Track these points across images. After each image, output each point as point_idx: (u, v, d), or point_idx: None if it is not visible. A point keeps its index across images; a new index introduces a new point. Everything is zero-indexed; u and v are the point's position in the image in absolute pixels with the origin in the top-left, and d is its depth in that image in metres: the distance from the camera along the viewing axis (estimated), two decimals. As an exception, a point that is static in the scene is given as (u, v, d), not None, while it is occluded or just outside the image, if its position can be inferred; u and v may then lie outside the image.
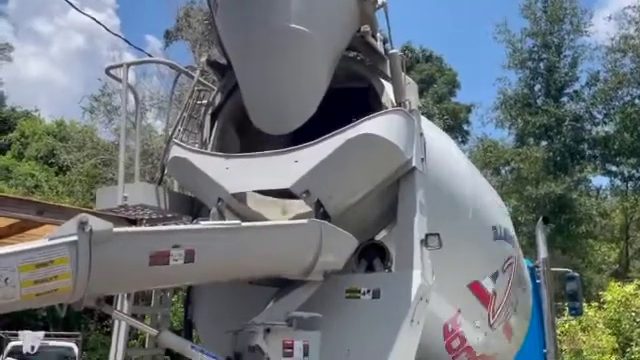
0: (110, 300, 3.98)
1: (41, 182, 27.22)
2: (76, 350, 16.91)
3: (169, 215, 4.59)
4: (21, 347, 15.83)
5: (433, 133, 5.05)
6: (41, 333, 16.66)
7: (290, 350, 3.80)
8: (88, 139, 26.21)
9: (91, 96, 25.45)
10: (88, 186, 23.81)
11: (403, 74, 4.34)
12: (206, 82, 4.96)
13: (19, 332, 16.27)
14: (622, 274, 27.44)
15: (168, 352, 4.80)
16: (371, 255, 4.40)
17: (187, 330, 4.62)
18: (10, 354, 15.90)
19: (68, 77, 62.60)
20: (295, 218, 4.07)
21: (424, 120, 4.80)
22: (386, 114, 4.17)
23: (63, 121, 32.26)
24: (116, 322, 4.60)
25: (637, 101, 28.08)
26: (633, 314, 18.90)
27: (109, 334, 4.88)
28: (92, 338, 21.92)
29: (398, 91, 4.30)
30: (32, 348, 15.71)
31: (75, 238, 2.95)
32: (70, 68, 61.99)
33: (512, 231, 6.66)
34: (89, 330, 22.70)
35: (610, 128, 28.79)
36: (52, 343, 16.84)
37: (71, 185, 25.92)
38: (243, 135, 4.77)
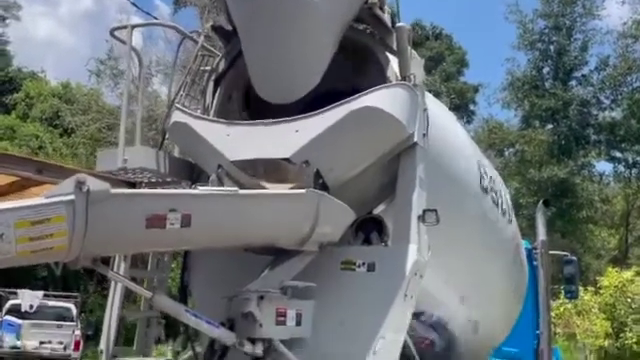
0: (107, 262, 4.00)
1: (45, 143, 27.24)
2: (74, 311, 17.08)
3: (168, 180, 4.59)
4: (19, 305, 15.98)
5: (437, 110, 5.02)
6: (40, 293, 16.82)
7: (283, 318, 3.82)
8: (93, 102, 26.23)
9: (97, 59, 25.43)
10: (92, 149, 23.83)
11: (409, 48, 4.30)
12: (211, 48, 4.93)
13: (18, 290, 16.42)
14: (621, 260, 27.51)
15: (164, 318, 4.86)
16: (368, 228, 4.40)
17: (182, 295, 4.63)
18: (9, 311, 16.07)
19: (75, 38, 62.42)
20: (294, 188, 4.06)
21: (429, 96, 4.77)
22: (390, 87, 4.15)
23: (69, 83, 32.19)
24: (112, 283, 4.63)
25: (646, 87, 27.91)
26: (629, 300, 19.01)
27: (107, 297, 4.92)
28: (91, 300, 22.11)
29: (403, 65, 4.26)
30: (31, 307, 15.88)
31: (72, 197, 2.95)
32: (77, 29, 61.75)
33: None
34: (88, 292, 22.88)
35: (617, 114, 28.70)
36: (51, 303, 17.01)
37: (75, 148, 25.97)
38: (246, 103, 4.75)
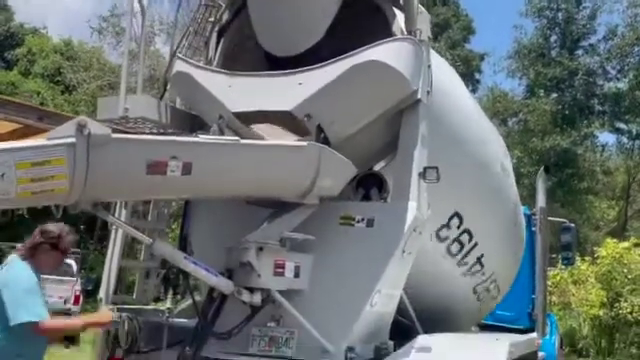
0: (107, 209, 4.00)
1: (47, 100, 27.13)
2: (75, 266, 17.19)
3: (170, 131, 4.57)
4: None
5: (442, 67, 4.98)
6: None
7: (281, 270, 3.85)
8: (95, 60, 26.09)
9: (100, 16, 25.22)
10: (93, 107, 23.71)
11: (416, 2, 4.24)
12: (215, -2, 4.86)
13: (18, 245, 16.47)
14: (619, 233, 27.57)
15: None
16: (369, 184, 4.41)
17: (182, 245, 4.65)
18: (10, 265, 16.15)
19: (78, -4, 61.62)
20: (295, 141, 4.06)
21: (433, 54, 4.72)
22: (395, 41, 4.10)
23: (71, 40, 31.92)
24: (112, 232, 4.66)
25: (653, 58, 27.61)
26: (625, 270, 19.10)
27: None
28: (91, 258, 22.21)
29: (409, 19, 4.21)
30: (31, 261, 15.94)
31: (73, 140, 2.95)
32: (80, -13, 60.94)
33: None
34: (88, 250, 22.99)
35: (623, 85, 28.40)
36: (51, 258, 17.07)
37: (76, 105, 25.88)
38: (249, 56, 4.71)
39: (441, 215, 4.78)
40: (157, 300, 5.26)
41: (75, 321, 4.12)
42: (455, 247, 5.14)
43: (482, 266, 5.69)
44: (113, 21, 24.92)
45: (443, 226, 4.88)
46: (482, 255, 5.56)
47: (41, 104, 26.43)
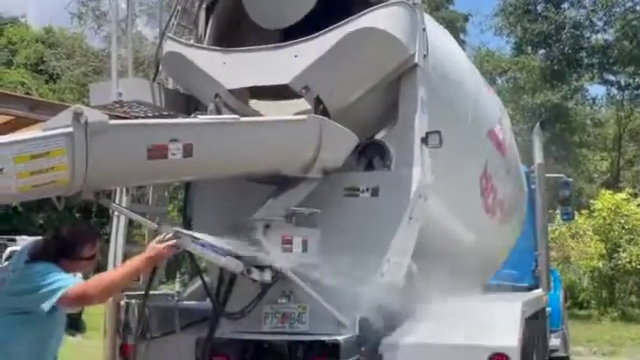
0: (108, 196, 3.94)
1: (31, 90, 26.84)
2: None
3: (165, 113, 4.49)
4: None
5: (435, 29, 4.90)
6: (40, 239, 16.83)
7: (289, 245, 3.82)
8: (77, 46, 25.75)
9: (79, 1, 24.80)
10: (79, 95, 23.50)
11: None
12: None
13: (17, 237, 16.45)
14: (613, 184, 27.71)
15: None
16: (371, 153, 4.36)
17: (186, 228, 4.59)
18: (9, 258, 16.15)
19: (54, -18, 60.60)
20: (295, 115, 3.99)
21: (425, 16, 4.64)
22: (388, 6, 4.02)
23: (52, 27, 31.50)
24: (114, 219, 4.60)
25: (638, 8, 27.45)
26: (622, 221, 19.23)
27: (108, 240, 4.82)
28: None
29: None
30: (31, 253, 15.92)
31: (70, 129, 2.88)
32: (56, -28, 59.88)
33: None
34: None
35: (610, 36, 28.27)
36: (51, 248, 17.06)
37: (61, 93, 25.62)
38: (240, 31, 4.61)
39: None
40: (162, 283, 5.24)
41: (118, 271, 3.26)
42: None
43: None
44: (92, 5, 24.51)
45: None
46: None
47: (26, 94, 26.19)
